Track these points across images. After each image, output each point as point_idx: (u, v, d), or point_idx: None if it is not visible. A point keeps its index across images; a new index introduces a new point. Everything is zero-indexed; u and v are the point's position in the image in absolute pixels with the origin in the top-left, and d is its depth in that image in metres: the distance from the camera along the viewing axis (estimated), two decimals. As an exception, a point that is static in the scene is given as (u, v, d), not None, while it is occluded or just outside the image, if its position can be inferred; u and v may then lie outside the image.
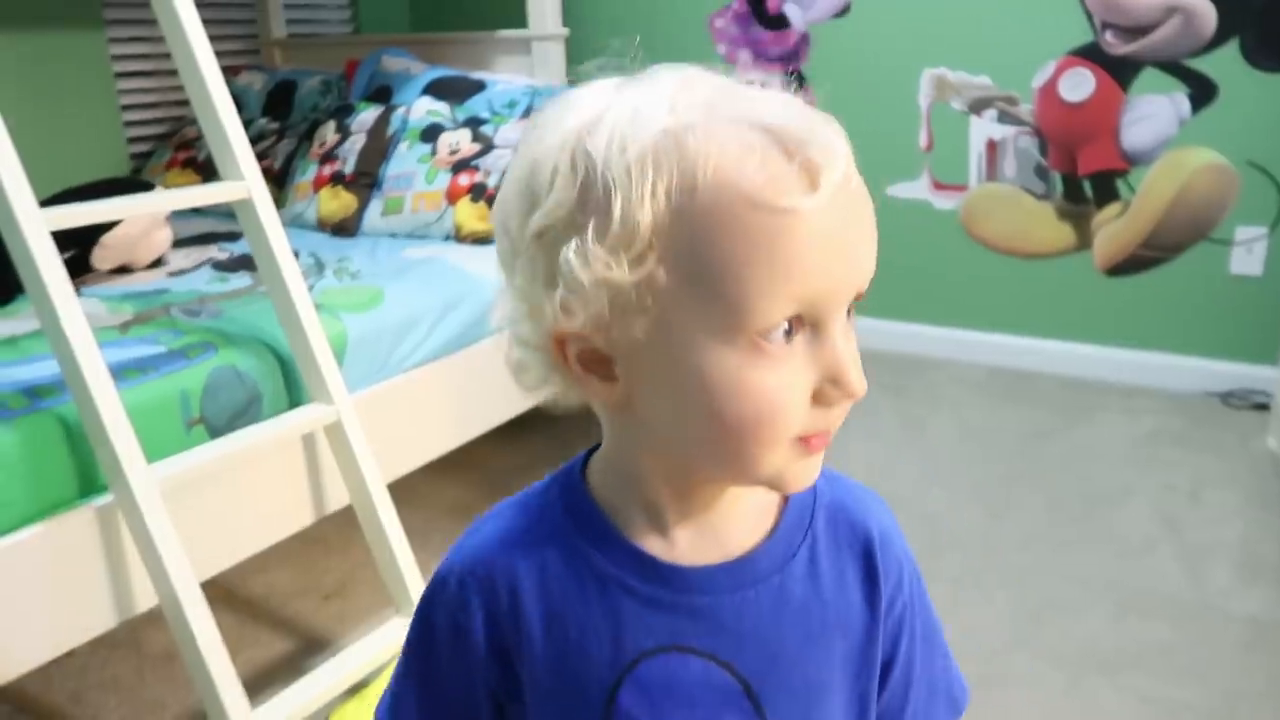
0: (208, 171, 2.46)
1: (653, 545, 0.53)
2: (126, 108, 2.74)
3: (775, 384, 0.46)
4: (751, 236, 0.45)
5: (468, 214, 1.99)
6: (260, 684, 1.46)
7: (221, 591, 1.68)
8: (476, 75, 2.35)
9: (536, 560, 0.54)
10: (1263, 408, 2.39)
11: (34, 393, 1.20)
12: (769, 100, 0.47)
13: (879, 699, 0.58)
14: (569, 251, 0.46)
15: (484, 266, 1.84)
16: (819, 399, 0.48)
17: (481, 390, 1.78)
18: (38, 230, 1.12)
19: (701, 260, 0.45)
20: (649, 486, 0.53)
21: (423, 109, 2.19)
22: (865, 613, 0.56)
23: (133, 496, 1.15)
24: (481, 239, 1.98)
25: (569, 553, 0.54)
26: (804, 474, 0.51)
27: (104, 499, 1.19)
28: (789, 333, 0.46)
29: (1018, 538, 1.86)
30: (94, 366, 1.13)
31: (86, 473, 1.19)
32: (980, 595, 1.68)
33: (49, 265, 1.13)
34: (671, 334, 0.47)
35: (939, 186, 2.79)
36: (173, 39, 1.35)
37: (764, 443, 0.48)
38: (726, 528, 0.54)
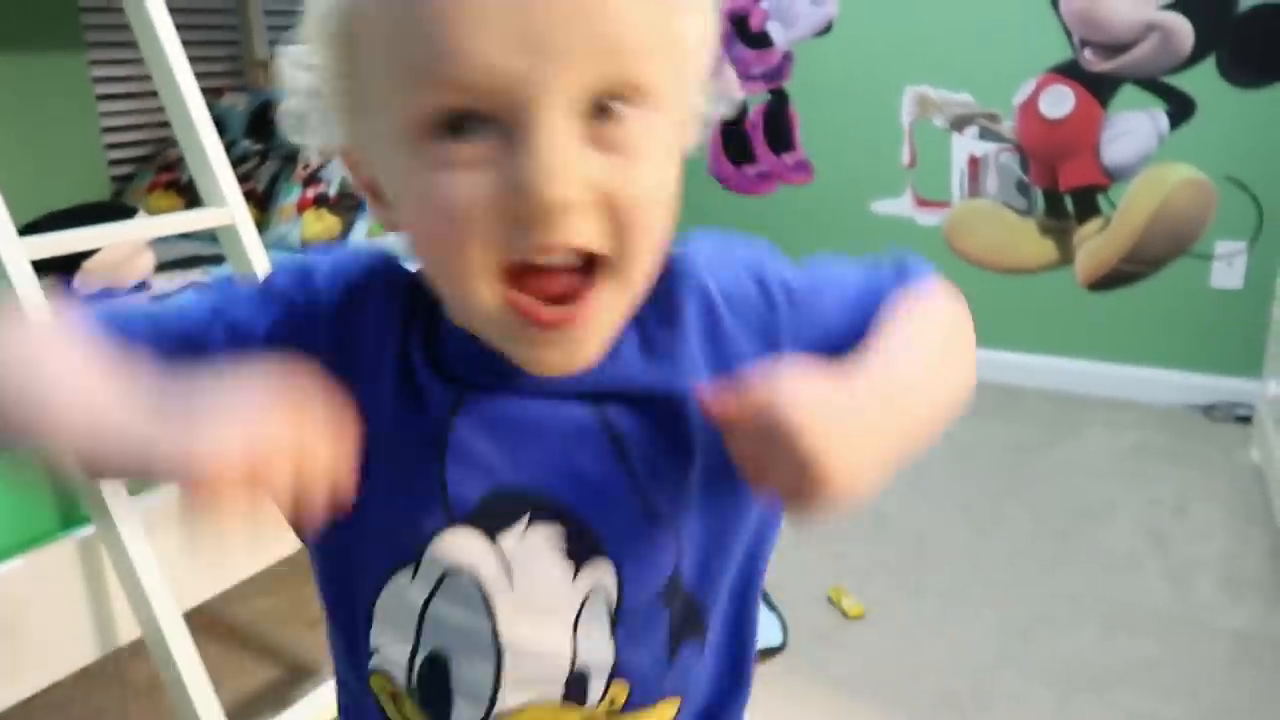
0: (191, 193, 2.45)
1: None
2: (108, 129, 2.72)
3: (446, 185, 0.40)
4: (400, 14, 0.40)
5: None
6: (246, 713, 1.45)
7: (206, 620, 1.66)
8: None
9: (404, 310, 0.50)
10: (1245, 420, 2.41)
11: (14, 423, 1.19)
12: None
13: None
14: (286, 60, 0.47)
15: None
16: (507, 208, 0.40)
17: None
18: (17, 260, 1.11)
19: (369, 55, 0.42)
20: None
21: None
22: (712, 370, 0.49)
23: (115, 528, 1.13)
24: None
25: (409, 318, 0.50)
26: (540, 352, 0.45)
27: (86, 530, 1.18)
28: (459, 130, 0.40)
29: (1004, 554, 1.86)
30: (75, 397, 1.12)
31: (68, 505, 1.18)
32: (968, 612, 1.68)
33: (28, 295, 1.12)
34: (374, 140, 0.44)
35: (922, 203, 2.81)
36: (153, 61, 1.35)
37: (452, 260, 0.42)
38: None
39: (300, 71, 0.47)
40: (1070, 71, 2.56)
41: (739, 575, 0.55)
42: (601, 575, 0.49)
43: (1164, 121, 2.49)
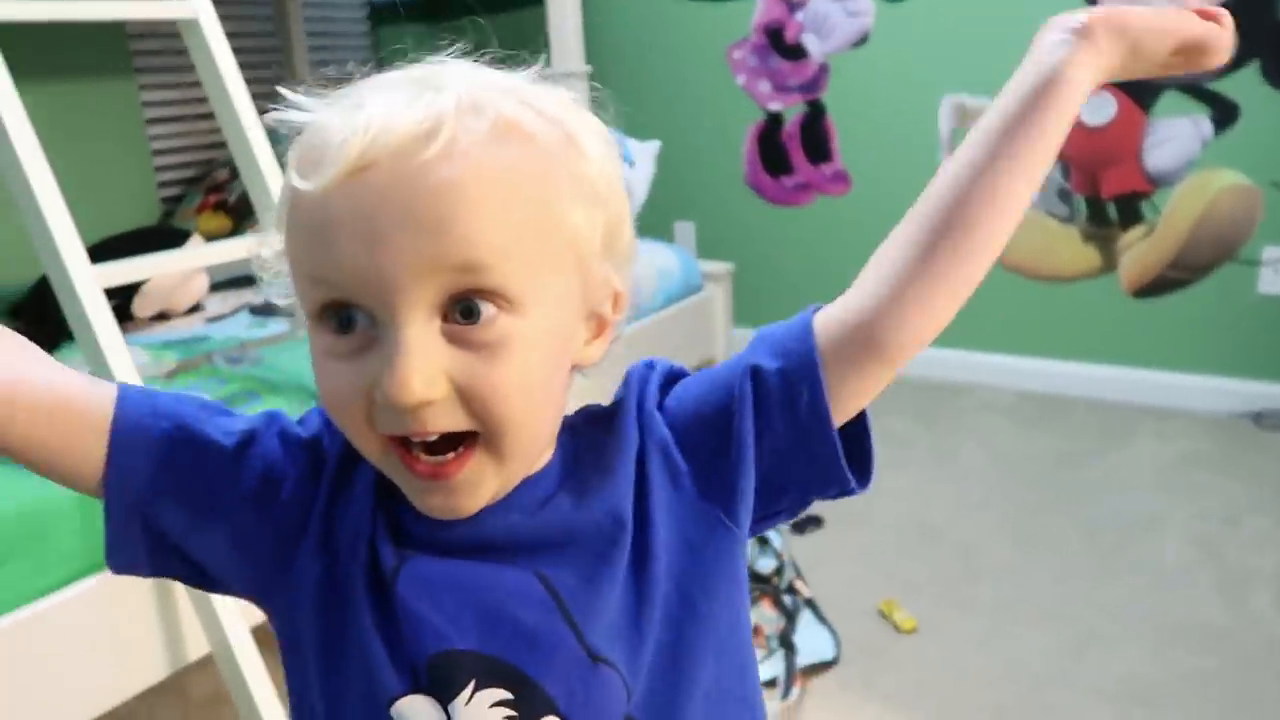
0: (238, 214, 2.50)
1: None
2: (157, 152, 2.79)
3: (330, 373, 0.47)
4: (289, 214, 0.47)
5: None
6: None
7: (262, 635, 1.69)
8: (502, 114, 2.38)
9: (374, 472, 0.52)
10: (1296, 429, 2.38)
11: (86, 446, 1.22)
12: (406, 82, 0.47)
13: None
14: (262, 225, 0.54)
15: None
16: (374, 400, 0.46)
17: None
18: (91, 288, 1.15)
19: (287, 240, 0.48)
20: None
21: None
22: (634, 506, 0.52)
23: (184, 548, 1.16)
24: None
25: (372, 483, 0.53)
26: (428, 500, 0.48)
27: (156, 550, 1.21)
28: (346, 324, 0.46)
29: (1053, 568, 1.85)
30: (146, 421, 1.15)
31: (138, 525, 1.21)
32: (1019, 627, 1.67)
33: (102, 321, 1.15)
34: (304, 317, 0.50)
35: (961, 212, 2.80)
36: (210, 85, 1.38)
37: (344, 427, 0.48)
38: None
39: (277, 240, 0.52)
40: (1111, 78, 2.54)
41: (714, 683, 0.54)
42: None
43: (1207, 127, 2.46)
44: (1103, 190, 2.62)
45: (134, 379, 1.16)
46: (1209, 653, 1.58)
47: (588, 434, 0.54)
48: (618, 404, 0.55)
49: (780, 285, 3.11)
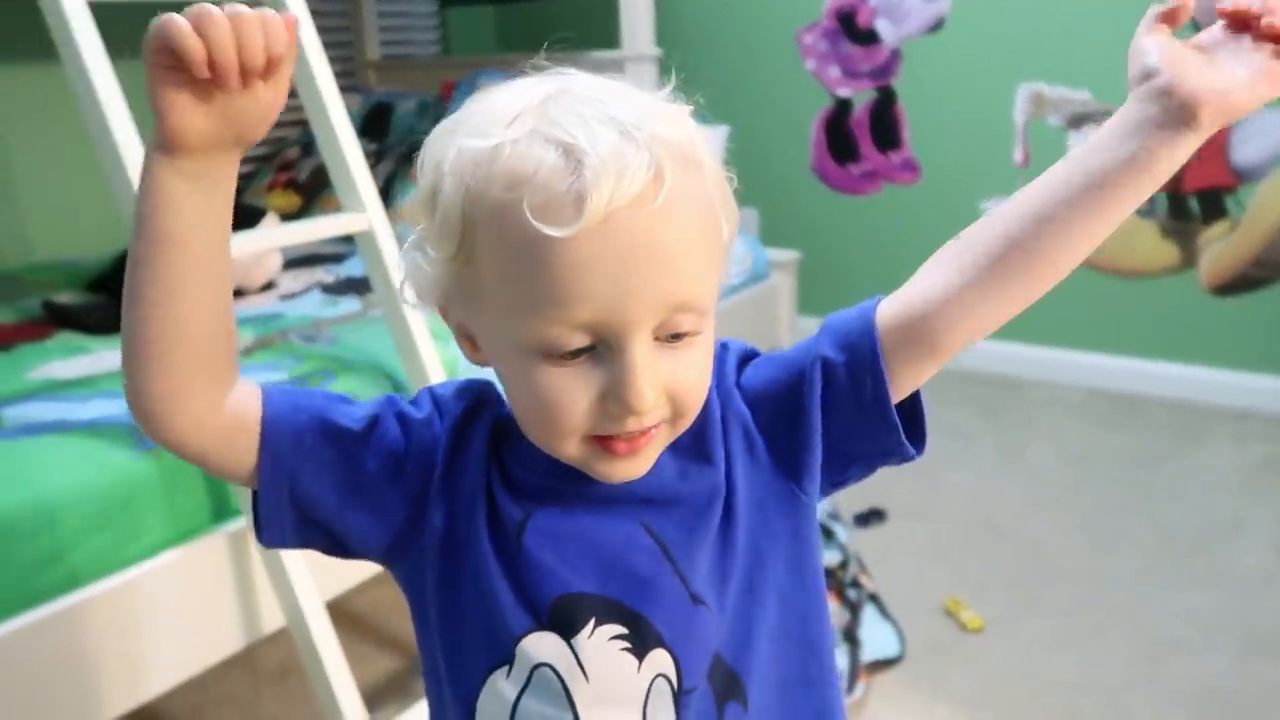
0: (308, 192, 2.52)
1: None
2: (230, 130, 2.82)
3: (555, 389, 0.51)
4: (519, 257, 0.49)
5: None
6: (373, 703, 1.49)
7: (334, 608, 1.72)
8: (570, 97, 2.37)
9: (491, 443, 0.60)
10: (1385, 435, 2.29)
11: (170, 419, 1.24)
12: (601, 120, 0.49)
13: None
14: (411, 237, 0.56)
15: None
16: (603, 406, 0.51)
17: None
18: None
19: (491, 269, 0.51)
20: None
21: (520, 132, 2.22)
22: (721, 469, 0.59)
23: (264, 522, 1.18)
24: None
25: (487, 436, 0.60)
26: (613, 471, 0.55)
27: (236, 524, 1.23)
28: (574, 352, 0.51)
29: (1129, 571, 1.80)
30: (230, 396, 1.17)
31: (219, 499, 1.23)
32: (1094, 632, 1.63)
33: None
34: (484, 326, 0.55)
35: (1035, 203, 2.73)
36: (296, 69, 1.39)
37: (551, 436, 0.53)
38: None
39: (417, 232, 0.56)
40: (1198, 68, 2.45)
41: (778, 625, 0.61)
42: (661, 664, 0.57)
43: (1300, 120, 2.37)
44: (1185, 184, 2.54)
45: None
46: (1293, 665, 1.53)
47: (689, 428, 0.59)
48: (707, 418, 0.60)
49: (844, 275, 3.07)
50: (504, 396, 0.60)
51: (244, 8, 0.47)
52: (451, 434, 0.59)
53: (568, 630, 0.56)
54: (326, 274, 2.04)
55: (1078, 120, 2.63)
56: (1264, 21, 0.51)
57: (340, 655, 1.23)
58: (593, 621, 0.56)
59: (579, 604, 0.56)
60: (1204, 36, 0.54)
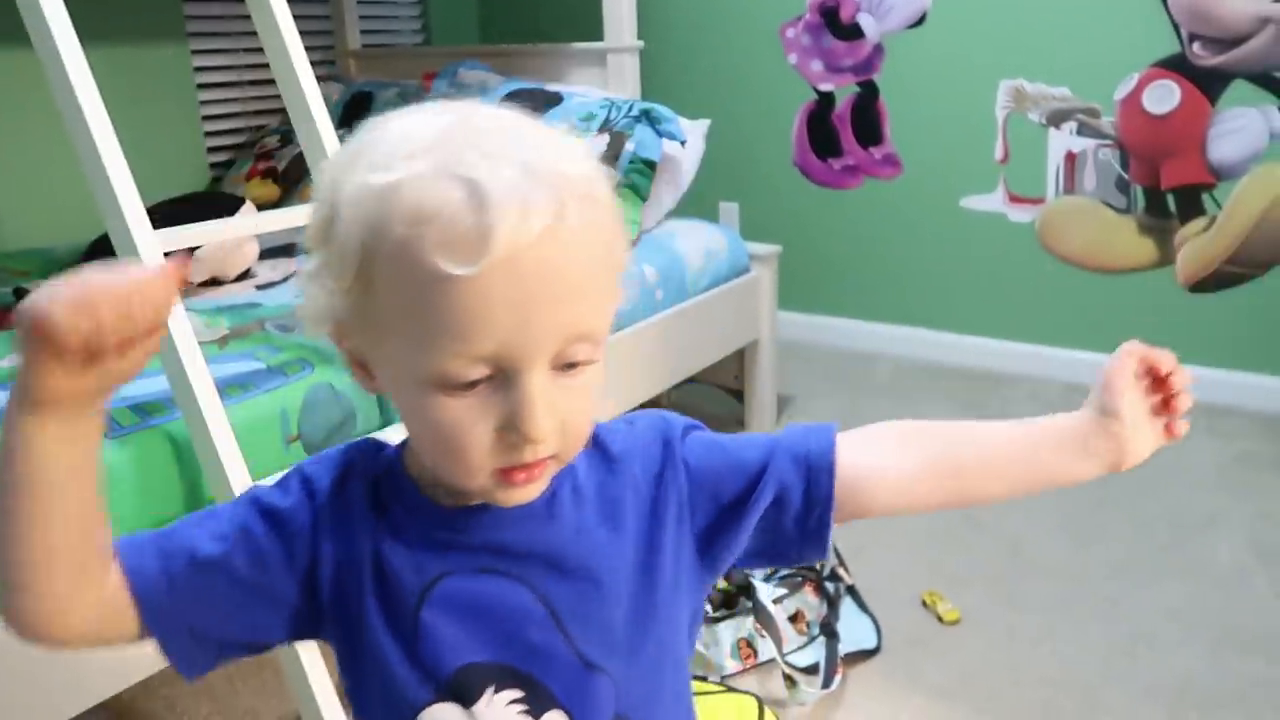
0: (286, 181, 2.50)
1: (441, 496, 0.59)
2: (207, 118, 2.79)
3: (453, 423, 0.52)
4: (420, 295, 0.49)
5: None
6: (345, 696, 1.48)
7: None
8: (553, 88, 2.35)
9: (372, 506, 0.60)
10: (1357, 432, 2.32)
11: (143, 410, 1.23)
12: (500, 155, 0.49)
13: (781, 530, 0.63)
14: (306, 266, 0.55)
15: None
16: (503, 438, 0.52)
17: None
18: (153, 252, 1.15)
19: (390, 304, 0.51)
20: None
21: (501, 122, 2.21)
22: (649, 522, 0.61)
23: (238, 513, 1.17)
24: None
25: (389, 507, 0.60)
26: (511, 497, 0.55)
27: (210, 515, 1.22)
28: (472, 383, 0.51)
29: (1104, 566, 1.82)
30: (204, 385, 1.15)
31: (193, 488, 1.22)
32: (1069, 625, 1.64)
33: (162, 286, 1.15)
34: (381, 357, 0.54)
35: (1015, 199, 2.75)
36: (274, 54, 1.37)
37: (456, 467, 0.53)
38: None
39: (313, 259, 0.55)
40: (1177, 66, 2.47)
41: (676, 688, 0.66)
42: None
43: (1277, 118, 2.39)
44: (1163, 181, 2.56)
45: (191, 344, 1.16)
46: (1267, 658, 1.54)
47: (613, 463, 0.62)
48: (640, 445, 0.63)
49: (825, 269, 3.07)
50: (383, 450, 0.62)
51: (123, 274, 0.45)
52: (322, 511, 0.59)
53: (467, 699, 0.58)
54: (305, 264, 2.02)
55: (1057, 117, 2.65)
56: (1177, 401, 0.62)
57: (315, 648, 1.21)
58: (491, 688, 0.58)
59: (478, 673, 0.58)
60: (1139, 410, 0.62)
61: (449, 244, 0.48)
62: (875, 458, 0.63)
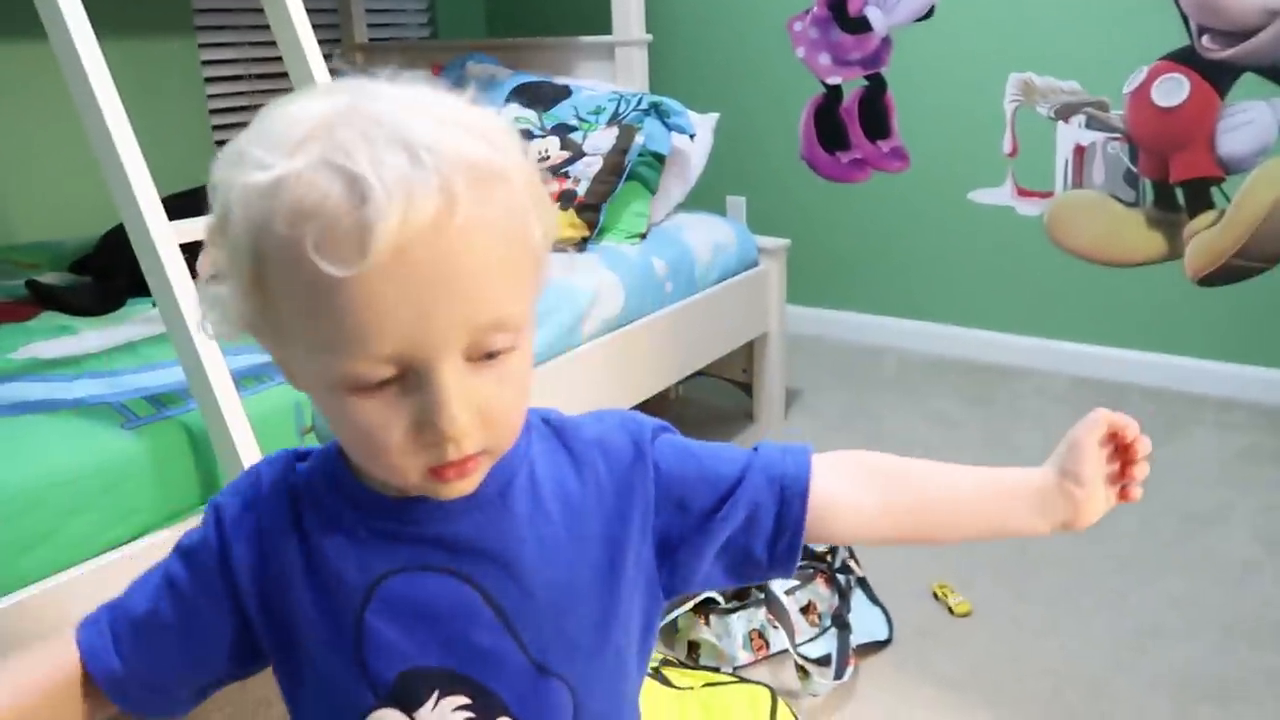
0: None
1: (385, 488, 0.57)
2: (214, 111, 2.80)
3: (368, 425, 0.49)
4: (309, 296, 0.47)
5: (558, 221, 2.00)
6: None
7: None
8: (561, 81, 2.35)
9: (291, 514, 0.59)
10: (1365, 425, 2.31)
11: (158, 401, 1.23)
12: (392, 142, 0.46)
13: (747, 541, 0.62)
14: (201, 267, 0.52)
15: (575, 273, 1.85)
16: (419, 435, 0.49)
17: (576, 398, 1.79)
18: (168, 244, 1.15)
19: (285, 307, 0.48)
20: None
21: (510, 116, 2.21)
22: (613, 523, 0.59)
23: (253, 504, 1.17)
24: (571, 246, 1.99)
25: (322, 507, 0.58)
26: (449, 491, 0.53)
27: (225, 506, 1.22)
28: (382, 383, 0.48)
29: (1112, 558, 1.82)
30: (220, 376, 1.16)
31: (209, 479, 1.22)
32: (1077, 617, 1.65)
33: (179, 278, 1.15)
34: (290, 359, 0.52)
35: (1023, 193, 2.74)
36: (286, 46, 1.37)
37: (385, 469, 0.51)
38: None
39: (212, 261, 0.52)
40: (1186, 59, 2.46)
41: (632, 694, 0.65)
42: None
43: (1286, 112, 2.38)
44: (1172, 174, 2.55)
45: (210, 339, 1.16)
46: (1274, 650, 1.54)
47: (576, 458, 0.60)
48: (607, 442, 0.61)
49: (833, 263, 3.07)
50: (305, 455, 0.61)
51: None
52: (232, 535, 0.59)
53: (410, 705, 0.57)
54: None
55: (1066, 110, 2.64)
56: (1135, 469, 0.63)
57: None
58: (435, 694, 0.57)
59: (421, 678, 0.57)
60: (1099, 475, 0.64)
61: (330, 244, 0.45)
62: (843, 488, 0.62)
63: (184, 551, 0.61)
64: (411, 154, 0.45)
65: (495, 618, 0.56)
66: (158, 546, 1.16)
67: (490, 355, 0.50)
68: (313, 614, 0.57)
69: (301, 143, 0.46)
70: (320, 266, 0.45)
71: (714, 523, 0.60)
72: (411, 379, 0.48)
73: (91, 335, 1.50)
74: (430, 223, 0.45)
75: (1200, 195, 2.53)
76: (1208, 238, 2.54)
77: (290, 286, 0.47)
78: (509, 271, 0.49)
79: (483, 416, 0.50)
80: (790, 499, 0.60)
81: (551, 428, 0.61)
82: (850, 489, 0.62)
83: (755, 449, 0.63)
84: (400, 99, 0.49)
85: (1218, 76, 2.44)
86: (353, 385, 0.48)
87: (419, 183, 0.45)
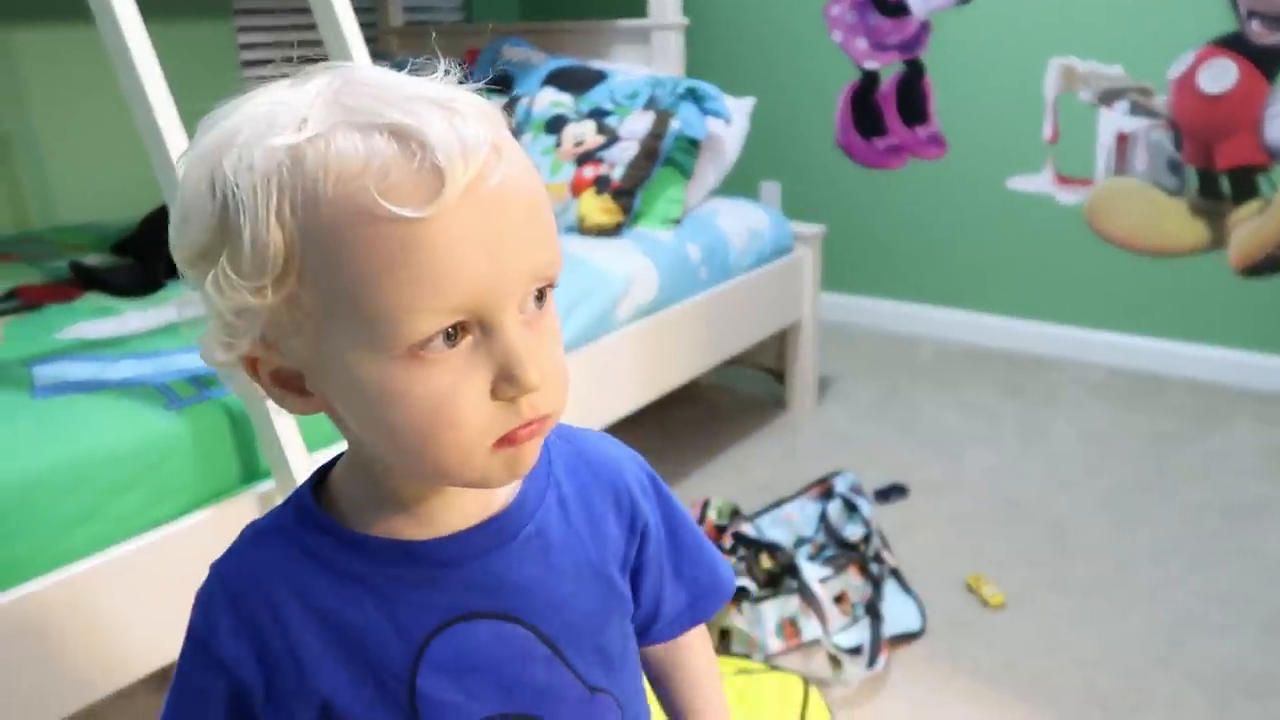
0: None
1: (404, 530, 0.54)
2: (253, 95, 2.82)
3: (439, 390, 0.46)
4: (379, 250, 0.44)
5: (592, 206, 2.00)
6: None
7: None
8: (596, 65, 2.35)
9: (293, 585, 0.54)
10: None
11: (200, 382, 1.25)
12: (411, 100, 0.45)
13: (638, 605, 0.63)
14: (208, 283, 0.47)
15: (609, 258, 1.85)
16: (499, 395, 0.47)
17: (609, 384, 1.79)
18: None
19: (337, 278, 0.45)
20: (387, 478, 0.53)
21: (546, 100, 2.21)
22: (622, 544, 0.60)
23: (293, 481, 1.18)
24: (606, 231, 1.98)
25: (323, 566, 0.54)
26: (518, 465, 0.50)
27: (266, 484, 1.24)
28: (451, 337, 0.46)
29: (1151, 551, 1.80)
30: (260, 359, 1.17)
31: (249, 460, 1.24)
32: (1114, 611, 1.63)
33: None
34: (331, 351, 0.47)
35: (1063, 180, 2.70)
36: (326, 28, 1.38)
37: (450, 449, 0.47)
38: (472, 494, 0.54)
39: (205, 279, 0.48)
40: (1234, 44, 2.41)
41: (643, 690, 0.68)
42: None
43: (1337, 98, 2.33)
44: (1217, 162, 2.50)
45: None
46: (1316, 647, 1.52)
47: (595, 465, 0.61)
48: (628, 459, 0.63)
49: (869, 249, 3.05)
50: (264, 529, 0.57)
51: None
52: (242, 627, 0.55)
53: None
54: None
55: (1108, 96, 2.59)
56: None
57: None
58: None
59: None
60: None
61: (397, 189, 0.43)
62: (678, 661, 0.69)
63: (201, 647, 0.57)
64: (440, 105, 0.45)
65: (549, 652, 0.56)
66: (200, 526, 1.18)
67: (540, 297, 0.49)
68: (350, 690, 0.53)
69: (309, 115, 0.45)
70: (393, 211, 0.43)
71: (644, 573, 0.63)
72: (477, 338, 0.46)
73: (134, 316, 1.52)
74: (485, 160, 0.45)
75: (1246, 183, 2.48)
76: (1253, 227, 2.49)
77: (343, 250, 0.44)
78: (548, 210, 0.49)
79: (543, 374, 0.48)
80: (701, 605, 0.67)
81: (568, 444, 0.61)
82: (676, 666, 0.70)
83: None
84: (383, 72, 0.49)
85: (1266, 62, 2.38)
86: (420, 346, 0.45)
87: (462, 125, 0.45)
